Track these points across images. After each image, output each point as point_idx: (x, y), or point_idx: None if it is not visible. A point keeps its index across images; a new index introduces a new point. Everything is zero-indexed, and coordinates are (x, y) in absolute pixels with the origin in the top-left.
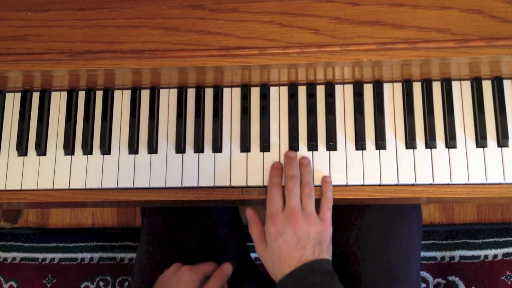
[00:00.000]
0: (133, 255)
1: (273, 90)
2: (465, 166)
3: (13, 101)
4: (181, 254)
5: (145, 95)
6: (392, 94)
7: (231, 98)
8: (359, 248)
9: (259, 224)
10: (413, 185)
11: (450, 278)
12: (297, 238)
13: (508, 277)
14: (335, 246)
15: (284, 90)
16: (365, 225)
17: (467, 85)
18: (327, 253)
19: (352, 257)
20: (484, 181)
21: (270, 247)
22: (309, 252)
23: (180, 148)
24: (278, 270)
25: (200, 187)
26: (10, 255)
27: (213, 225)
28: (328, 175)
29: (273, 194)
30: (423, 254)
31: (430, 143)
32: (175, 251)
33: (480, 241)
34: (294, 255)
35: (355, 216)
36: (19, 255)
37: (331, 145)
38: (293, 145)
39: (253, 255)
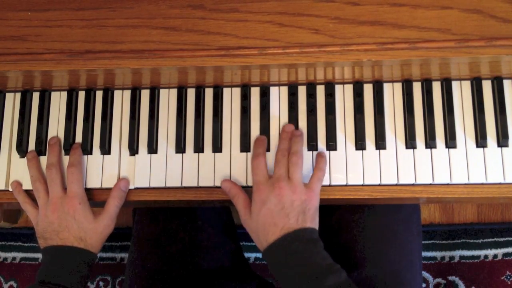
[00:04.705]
0: None
1: (273, 90)
2: (465, 166)
3: (13, 101)
4: (171, 258)
5: (145, 95)
6: (392, 94)
7: (231, 98)
8: (363, 253)
9: (242, 194)
10: (413, 185)
11: (450, 278)
12: (281, 206)
13: (508, 277)
14: (340, 251)
15: (284, 90)
16: (367, 231)
17: (467, 85)
18: (311, 222)
19: (358, 261)
20: (484, 181)
21: (255, 216)
22: (292, 220)
23: (180, 148)
24: (263, 239)
25: (200, 187)
26: (10, 255)
27: (203, 228)
28: (328, 175)
29: (255, 163)
30: (423, 254)
31: (430, 143)
32: (164, 256)
33: (480, 241)
34: (278, 223)
35: (357, 222)
36: (19, 255)
37: (331, 145)
38: None
39: (247, 255)
